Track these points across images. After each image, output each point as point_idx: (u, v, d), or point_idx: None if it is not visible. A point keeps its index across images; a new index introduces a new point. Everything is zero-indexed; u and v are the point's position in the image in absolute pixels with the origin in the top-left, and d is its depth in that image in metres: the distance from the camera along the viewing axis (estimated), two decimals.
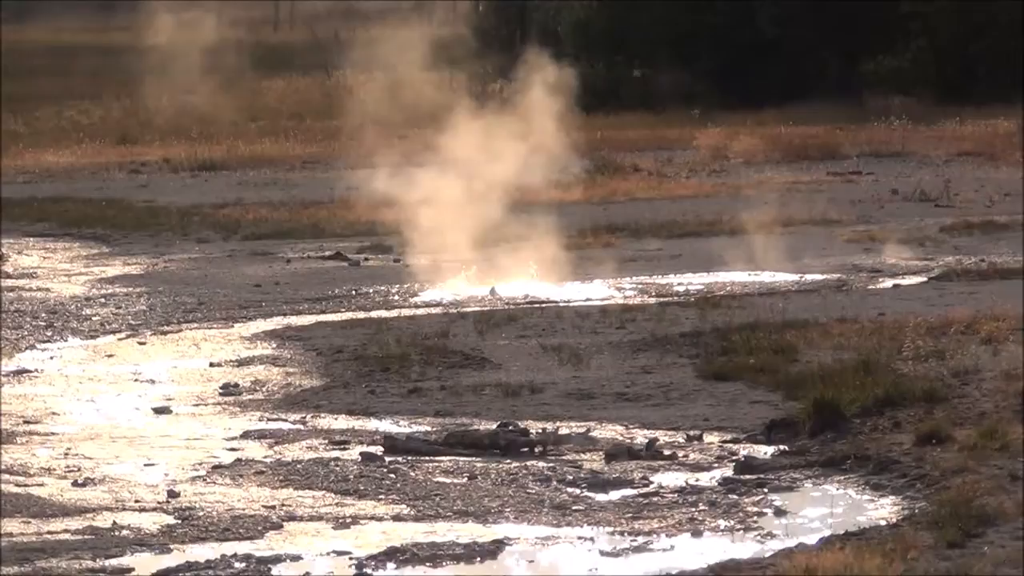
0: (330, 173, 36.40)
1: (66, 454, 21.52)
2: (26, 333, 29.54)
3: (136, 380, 25.89)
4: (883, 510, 18.37)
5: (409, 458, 20.83)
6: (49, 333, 29.53)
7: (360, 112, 35.03)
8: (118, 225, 40.27)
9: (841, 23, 62.68)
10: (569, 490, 19.49)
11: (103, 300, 32.51)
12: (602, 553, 17.35)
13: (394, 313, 29.96)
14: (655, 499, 19.13)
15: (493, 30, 71.51)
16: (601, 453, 20.84)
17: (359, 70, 33.94)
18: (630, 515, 18.54)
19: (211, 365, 26.55)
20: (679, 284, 31.69)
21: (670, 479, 19.83)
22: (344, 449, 21.43)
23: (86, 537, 18.20)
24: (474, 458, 20.71)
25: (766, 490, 19.28)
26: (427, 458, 20.80)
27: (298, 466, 20.76)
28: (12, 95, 58.14)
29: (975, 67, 58.99)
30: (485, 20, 72.86)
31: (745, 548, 17.34)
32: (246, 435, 22.31)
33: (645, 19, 64.52)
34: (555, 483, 19.77)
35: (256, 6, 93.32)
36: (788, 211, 37.41)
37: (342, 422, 22.84)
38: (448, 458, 20.77)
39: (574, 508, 18.84)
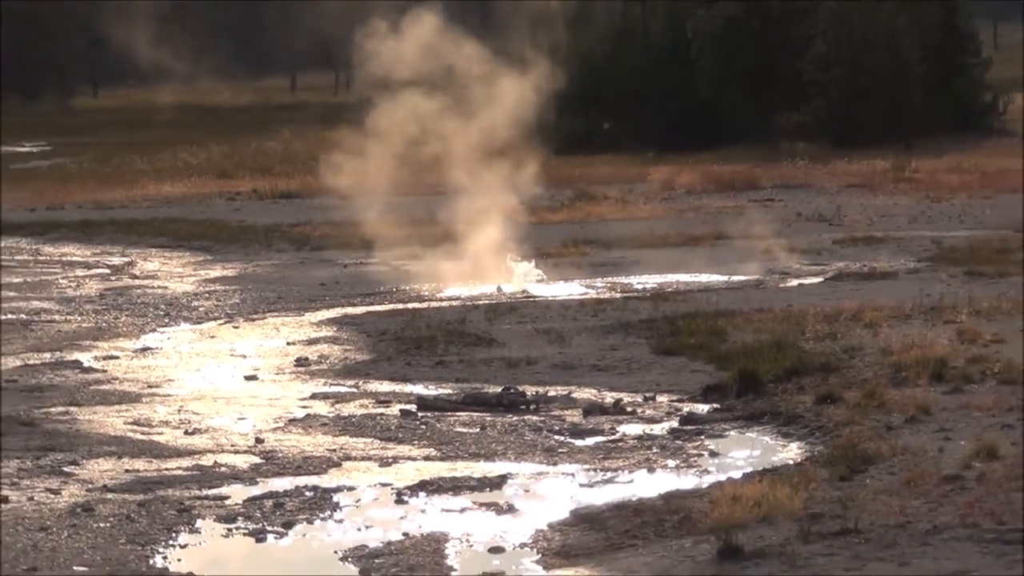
0: (374, 200, 36.26)
1: (179, 410, 21.66)
2: (149, 319, 29.61)
3: (231, 355, 25.98)
4: (791, 452, 18.52)
5: (436, 413, 20.95)
6: (166, 320, 29.58)
7: (396, 154, 34.98)
8: (218, 239, 40.22)
9: (760, 88, 62.43)
10: (556, 437, 19.64)
11: (206, 295, 32.51)
12: (580, 485, 17.62)
13: (424, 305, 29.97)
14: (620, 444, 19.29)
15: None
16: (580, 410, 20.94)
17: (394, 123, 33.78)
18: (601, 456, 18.70)
19: (287, 344, 26.65)
20: (638, 283, 31.67)
21: (631, 429, 19.97)
22: (387, 407, 21.56)
23: (193, 473, 18.40)
24: (484, 414, 20.84)
25: (703, 437, 19.41)
26: (449, 413, 20.95)
27: (352, 419, 20.92)
28: (139, 141, 58.21)
29: (858, 121, 58.70)
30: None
31: (688, 481, 17.55)
32: (313, 396, 22.43)
33: (612, 85, 64.25)
34: (545, 432, 19.90)
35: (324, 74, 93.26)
36: (719, 228, 37.40)
37: (385, 386, 22.91)
38: (465, 413, 20.90)
39: (559, 451, 19.02)
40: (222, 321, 29.26)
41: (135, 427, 20.67)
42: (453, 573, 14.70)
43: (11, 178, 62.84)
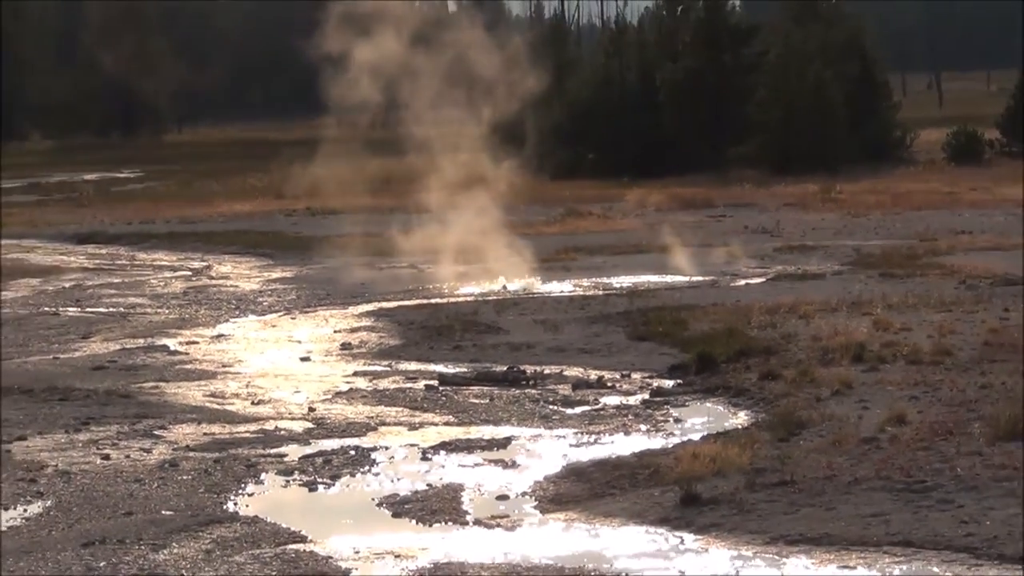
0: (406, 216, 36.29)
1: (247, 385, 21.65)
2: (223, 312, 29.61)
3: (289, 341, 25.91)
4: (739, 419, 18.49)
5: (453, 388, 20.92)
6: (236, 312, 29.56)
7: (418, 180, 35.10)
8: (278, 247, 40.24)
9: (714, 126, 62.52)
10: (550, 407, 19.61)
11: (269, 292, 32.52)
12: (570, 445, 17.58)
13: (444, 300, 29.91)
14: (602, 412, 19.24)
15: (508, 127, 71.35)
16: (570, 385, 20.88)
17: (425, 154, 33.93)
18: (587, 422, 18.68)
19: (334, 331, 26.57)
20: (616, 283, 31.62)
21: (611, 400, 19.93)
22: (414, 382, 21.50)
23: (258, 435, 18.42)
24: (493, 388, 20.78)
25: (669, 407, 19.38)
26: (464, 388, 20.89)
27: (386, 393, 20.88)
28: (214, 168, 58.43)
29: (793, 153, 58.79)
30: (499, 122, 72.71)
31: (656, 442, 17.52)
32: (355, 374, 22.38)
33: (595, 124, 64.24)
34: (542, 403, 19.88)
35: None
36: (682, 239, 37.33)
37: (413, 366, 22.84)
38: (477, 388, 20.85)
39: (553, 418, 18.99)
40: (281, 313, 29.22)
41: (211, 399, 20.70)
42: (467, 516, 14.70)
43: (113, 198, 63.07)
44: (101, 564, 13.32)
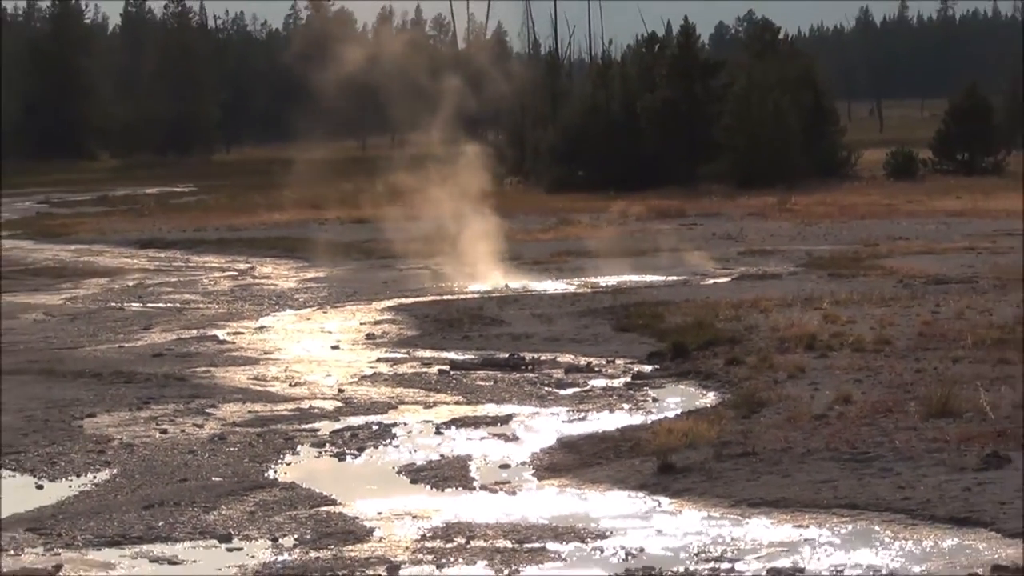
0: (420, 224, 36.29)
1: (285, 370, 21.60)
2: (264, 307, 29.58)
3: (321, 331, 25.89)
4: (708, 399, 18.46)
5: (463, 372, 20.89)
6: (276, 307, 29.53)
7: (434, 192, 35.06)
8: (312, 251, 40.08)
9: (687, 147, 62.57)
10: (546, 388, 19.58)
11: (304, 290, 32.51)
12: (563, 421, 17.56)
13: (455, 297, 29.93)
14: (590, 393, 19.22)
15: (508, 148, 71.46)
16: (562, 369, 20.86)
17: (439, 175, 34.03)
18: (577, 401, 18.66)
19: (360, 324, 26.54)
20: (603, 282, 31.61)
21: (598, 383, 19.91)
22: (429, 367, 21.46)
23: (295, 413, 18.38)
24: (496, 372, 20.75)
25: (648, 388, 19.35)
26: (472, 372, 20.86)
27: (405, 376, 20.85)
28: (257, 183, 58.40)
29: (755, 170, 58.84)
30: (503, 144, 72.89)
31: (637, 419, 17.49)
32: (378, 360, 22.32)
33: (585, 145, 64.32)
34: (538, 385, 19.85)
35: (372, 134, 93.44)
36: (657, 244, 37.40)
37: (428, 353, 22.78)
38: (483, 372, 20.80)
39: (548, 398, 18.96)
40: (314, 308, 29.21)
41: (254, 381, 20.68)
42: (474, 482, 14.69)
43: (170, 209, 62.96)
44: (159, 524, 13.33)
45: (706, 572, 11.46)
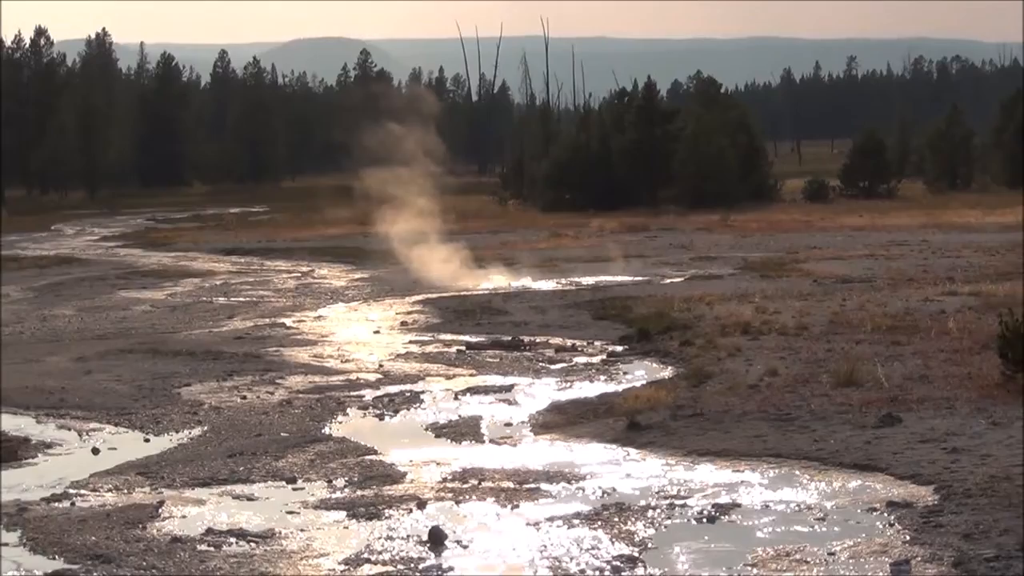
0: (442, 236, 36.06)
1: (338, 349, 21.56)
2: (321, 301, 29.46)
3: (366, 320, 25.78)
4: (666, 372, 18.42)
5: (475, 351, 20.85)
6: (330, 300, 29.41)
7: (451, 212, 34.86)
8: (359, 257, 39.94)
9: (650, 176, 62.42)
10: (540, 364, 19.54)
11: (352, 288, 32.39)
12: (553, 390, 17.51)
13: (469, 293, 29.80)
14: (574, 368, 19.19)
15: (511, 175, 71.18)
16: (553, 349, 20.83)
17: (453, 195, 33.93)
18: (564, 374, 18.63)
19: (396, 313, 26.42)
20: (585, 281, 31.52)
21: (581, 360, 19.88)
22: (449, 347, 21.41)
23: (345, 383, 18.35)
24: (501, 351, 20.69)
25: (619, 364, 19.33)
26: (482, 351, 20.80)
27: (431, 354, 20.80)
28: (317, 204, 58.07)
29: (703, 194, 58.69)
30: (507, 174, 72.51)
31: (611, 387, 17.46)
32: (410, 342, 22.27)
33: (571, 174, 64.10)
34: (534, 361, 19.81)
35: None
36: (627, 251, 37.37)
37: (448, 336, 22.70)
38: (491, 351, 20.74)
39: (542, 371, 18.92)
40: (360, 301, 29.13)
41: (313, 358, 20.65)
42: (484, 436, 14.67)
43: (249, 224, 62.77)
44: (240, 469, 13.31)
45: (664, 506, 11.44)
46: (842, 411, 14.61)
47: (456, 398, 16.95)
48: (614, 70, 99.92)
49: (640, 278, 31.64)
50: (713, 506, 11.36)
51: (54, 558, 10.44)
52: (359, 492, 12.30)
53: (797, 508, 11.28)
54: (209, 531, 10.99)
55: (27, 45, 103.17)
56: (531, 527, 10.92)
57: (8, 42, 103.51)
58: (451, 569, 9.85)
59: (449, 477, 12.78)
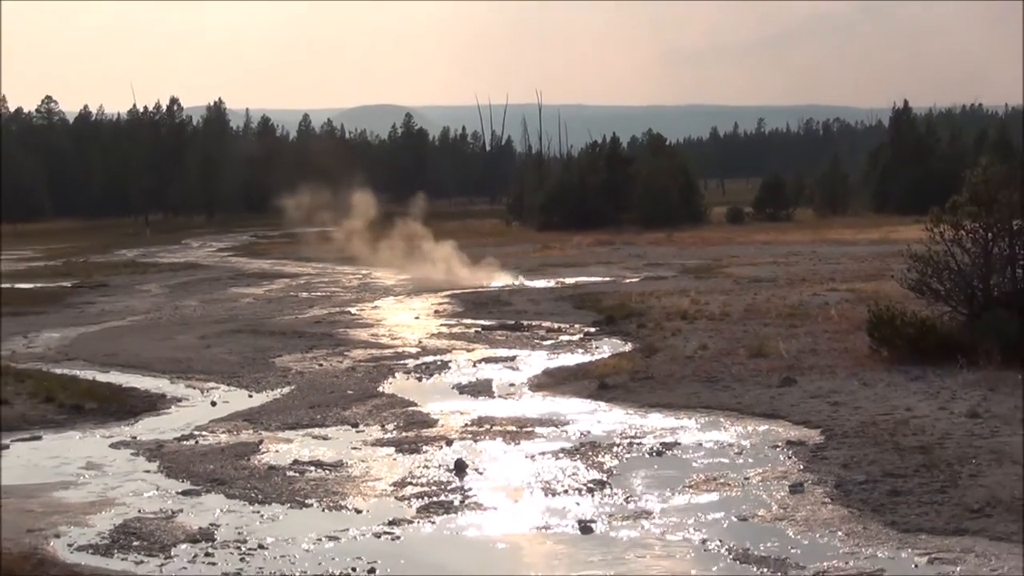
0: (463, 249, 35.83)
1: (389, 330, 21.42)
2: (377, 295, 29.20)
3: (409, 309, 25.62)
4: (627, 347, 18.28)
5: (488, 331, 20.70)
6: (383, 295, 29.18)
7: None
8: (401, 266, 39.03)
9: (615, 205, 62.17)
10: (535, 341, 19.43)
11: (399, 286, 32.01)
12: (545, 359, 17.37)
13: (483, 289, 29.68)
14: (560, 343, 19.06)
15: (514, 205, 70.87)
16: (544, 330, 20.69)
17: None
18: (553, 348, 18.51)
19: (430, 304, 26.25)
20: (570, 281, 31.33)
21: (565, 338, 19.73)
22: (469, 329, 21.23)
23: (394, 355, 18.19)
24: (507, 332, 20.56)
25: (593, 341, 19.20)
26: (493, 331, 20.65)
27: (456, 334, 20.63)
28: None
29: (653, 217, 58.41)
30: (512, 203, 71.95)
31: (587, 358, 17.34)
32: (440, 325, 22.09)
33: (559, 204, 63.80)
34: (531, 339, 19.70)
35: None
36: (599, 259, 37.20)
37: (468, 321, 22.51)
38: (500, 332, 20.61)
39: (536, 346, 18.80)
40: (404, 296, 28.95)
41: (371, 336, 20.57)
42: (495, 393, 14.63)
43: (325, 240, 62.42)
44: (318, 417, 13.32)
45: (625, 444, 11.44)
46: (754, 375, 14.58)
47: (474, 365, 16.91)
48: (589, 129, 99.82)
49: (608, 278, 31.53)
50: (661, 444, 11.36)
51: (183, 481, 10.53)
52: (404, 433, 12.30)
53: (721, 445, 11.28)
54: (295, 461, 11.04)
55: (164, 110, 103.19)
56: (528, 459, 10.92)
57: (151, 108, 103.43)
58: (471, 489, 9.86)
59: (469, 423, 12.77)
